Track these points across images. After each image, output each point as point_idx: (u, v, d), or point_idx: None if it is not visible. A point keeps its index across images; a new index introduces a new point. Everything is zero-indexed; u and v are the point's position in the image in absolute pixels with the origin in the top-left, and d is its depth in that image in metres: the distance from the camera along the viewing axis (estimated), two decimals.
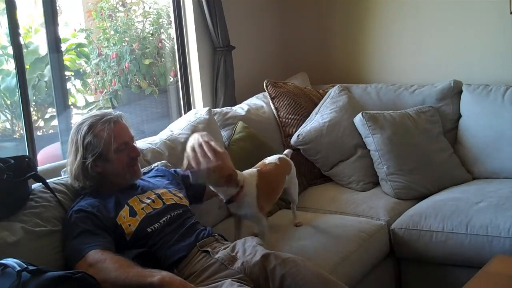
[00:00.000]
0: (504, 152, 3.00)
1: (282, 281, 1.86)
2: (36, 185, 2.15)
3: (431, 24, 3.52)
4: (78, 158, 2.13)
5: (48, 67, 3.09)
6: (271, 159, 2.45)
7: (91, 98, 3.61)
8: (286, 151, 2.59)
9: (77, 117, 3.30)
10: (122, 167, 2.18)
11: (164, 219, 2.13)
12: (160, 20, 3.64)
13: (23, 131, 2.67)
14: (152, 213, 2.13)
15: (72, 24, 3.53)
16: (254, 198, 2.20)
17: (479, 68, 3.38)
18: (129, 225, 2.07)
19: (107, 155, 2.14)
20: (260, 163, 2.43)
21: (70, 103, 3.27)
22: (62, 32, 3.19)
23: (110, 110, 3.00)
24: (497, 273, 2.08)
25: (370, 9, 3.70)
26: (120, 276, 1.79)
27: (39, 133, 3.41)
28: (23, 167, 2.05)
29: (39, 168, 2.32)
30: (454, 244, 2.54)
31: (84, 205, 2.07)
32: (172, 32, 3.48)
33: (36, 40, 3.31)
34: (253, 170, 2.33)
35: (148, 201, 2.18)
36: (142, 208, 2.14)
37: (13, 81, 3.01)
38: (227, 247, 2.05)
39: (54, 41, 2.90)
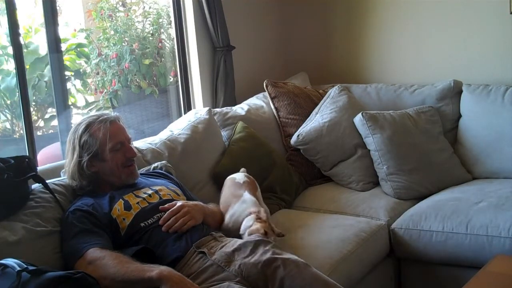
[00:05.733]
0: (504, 152, 3.00)
1: (281, 283, 1.85)
2: (36, 185, 2.15)
3: (431, 24, 3.52)
4: (75, 157, 2.15)
5: (48, 67, 3.09)
6: (240, 178, 2.44)
7: (91, 98, 3.61)
8: (242, 170, 2.58)
9: (77, 117, 3.30)
10: (117, 167, 2.18)
11: (158, 214, 2.12)
12: (160, 20, 3.63)
13: (23, 131, 2.67)
14: (147, 208, 2.13)
15: (72, 24, 3.53)
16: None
17: (479, 68, 3.37)
18: (124, 219, 2.07)
19: (103, 154, 2.15)
20: (230, 182, 2.43)
21: (70, 103, 3.27)
22: (62, 32, 3.19)
23: (108, 111, 3.01)
24: (497, 273, 2.08)
25: (370, 9, 3.70)
26: (119, 271, 1.80)
27: (39, 133, 3.41)
28: (23, 167, 2.06)
29: (39, 168, 2.32)
30: (454, 244, 2.54)
31: (80, 204, 2.08)
32: (172, 32, 3.48)
33: (36, 40, 3.31)
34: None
35: (144, 195, 2.18)
36: (137, 203, 2.13)
37: (13, 81, 3.02)
38: (225, 244, 2.03)
39: (54, 41, 2.91)
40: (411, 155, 3.00)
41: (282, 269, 1.87)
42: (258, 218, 2.14)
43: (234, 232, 2.18)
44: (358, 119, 3.08)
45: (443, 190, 2.93)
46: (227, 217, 2.26)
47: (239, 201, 2.27)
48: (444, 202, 2.74)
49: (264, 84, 3.38)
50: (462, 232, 2.53)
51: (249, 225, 2.12)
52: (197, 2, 3.35)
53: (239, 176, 2.46)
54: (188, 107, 3.45)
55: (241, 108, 3.24)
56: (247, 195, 2.30)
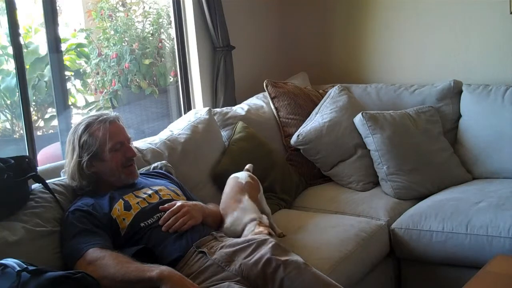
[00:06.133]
0: (504, 152, 3.00)
1: (281, 284, 1.85)
2: (36, 185, 2.15)
3: (431, 24, 3.52)
4: (75, 157, 2.15)
5: (48, 67, 3.09)
6: (242, 177, 2.42)
7: (91, 98, 3.61)
8: (247, 166, 2.56)
9: (77, 117, 3.30)
10: (117, 167, 2.18)
11: (158, 214, 2.12)
12: (160, 20, 3.64)
13: (23, 131, 2.67)
14: (147, 208, 2.13)
15: (72, 24, 3.53)
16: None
17: (479, 68, 3.37)
18: (123, 219, 2.07)
19: (102, 154, 2.15)
20: (233, 181, 2.41)
21: (70, 103, 3.27)
22: (62, 32, 3.19)
23: (108, 111, 3.01)
24: (497, 273, 2.08)
25: (370, 9, 3.70)
26: (119, 271, 1.80)
27: (39, 133, 3.41)
28: (23, 167, 2.06)
29: (39, 168, 2.32)
30: (454, 244, 2.54)
31: (80, 204, 2.08)
32: (172, 32, 3.48)
33: (36, 40, 3.31)
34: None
35: (144, 195, 2.18)
36: (137, 203, 2.13)
37: (13, 81, 3.02)
38: (226, 244, 2.03)
39: (54, 41, 2.91)
40: (411, 155, 3.00)
41: (282, 270, 1.87)
42: (261, 224, 2.15)
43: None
44: (358, 119, 3.08)
45: (443, 190, 2.93)
46: (227, 223, 2.25)
47: (239, 209, 2.26)
48: (444, 202, 2.74)
49: (264, 84, 3.38)
50: (462, 232, 2.53)
51: (252, 230, 2.13)
52: (197, 2, 3.35)
53: (242, 175, 2.45)
54: (188, 107, 3.45)
55: (241, 108, 3.24)
56: (246, 202, 2.28)
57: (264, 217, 2.23)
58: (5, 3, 2.56)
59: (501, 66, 3.32)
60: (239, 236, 2.16)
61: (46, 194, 2.12)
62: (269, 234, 2.08)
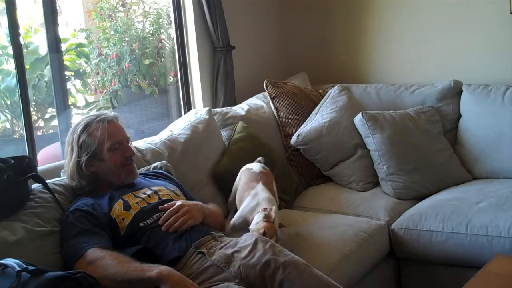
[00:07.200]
0: (504, 152, 3.00)
1: (280, 286, 1.84)
2: (36, 185, 2.15)
3: (431, 24, 3.52)
4: (74, 157, 2.15)
5: (48, 67, 3.09)
6: (256, 168, 2.43)
7: (91, 98, 3.61)
8: (259, 158, 2.56)
9: (77, 117, 3.30)
10: (116, 167, 2.19)
11: (157, 214, 2.12)
12: (160, 20, 3.64)
13: (23, 131, 2.67)
14: (147, 208, 2.13)
15: (72, 24, 3.53)
16: None
17: (479, 68, 3.38)
18: (123, 219, 2.07)
19: (101, 154, 2.16)
20: (246, 172, 2.41)
21: (70, 103, 3.27)
22: (62, 32, 3.19)
23: (108, 111, 3.01)
24: (497, 273, 2.08)
25: (370, 9, 3.70)
26: (119, 271, 1.80)
27: (39, 133, 3.41)
28: (23, 167, 2.06)
29: (39, 168, 2.32)
30: (454, 244, 2.54)
31: (79, 205, 2.08)
32: (172, 32, 3.48)
33: (36, 40, 3.31)
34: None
35: (144, 195, 2.18)
36: (137, 203, 2.13)
37: (13, 81, 3.02)
38: (225, 245, 2.02)
39: (54, 41, 2.90)
40: (411, 155, 3.00)
41: (282, 271, 1.86)
42: (266, 217, 2.12)
43: (244, 230, 2.16)
44: (358, 119, 3.08)
45: (443, 190, 2.93)
46: (237, 214, 2.25)
47: (250, 195, 2.25)
48: (444, 202, 2.74)
49: (264, 84, 3.38)
50: (462, 232, 2.53)
51: (257, 222, 2.11)
52: (197, 2, 3.35)
53: (256, 166, 2.45)
54: (188, 107, 3.45)
55: (241, 108, 3.24)
56: (259, 189, 2.27)
57: (273, 208, 2.18)
58: (5, 3, 2.56)
59: (501, 66, 3.32)
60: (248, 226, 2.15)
61: (46, 194, 2.12)
62: (264, 233, 2.06)
